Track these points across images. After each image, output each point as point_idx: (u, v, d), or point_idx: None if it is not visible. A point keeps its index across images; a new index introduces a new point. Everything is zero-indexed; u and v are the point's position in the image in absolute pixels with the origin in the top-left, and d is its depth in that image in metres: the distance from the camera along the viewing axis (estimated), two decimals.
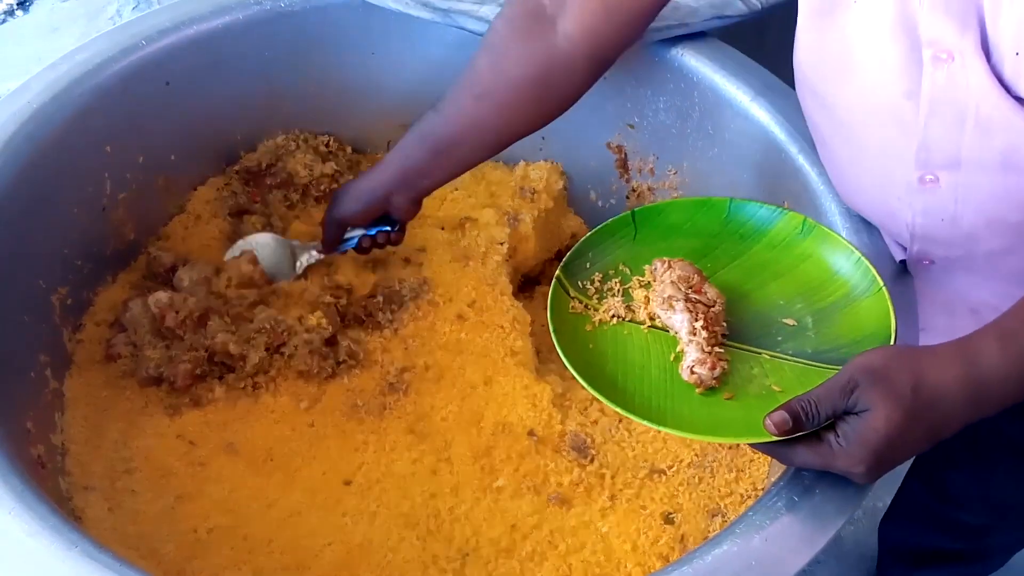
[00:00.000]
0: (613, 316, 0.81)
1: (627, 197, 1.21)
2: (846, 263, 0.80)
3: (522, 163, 1.25)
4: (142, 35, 1.02)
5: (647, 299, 0.81)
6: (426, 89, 1.20)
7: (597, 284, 0.84)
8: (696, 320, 0.76)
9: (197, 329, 0.97)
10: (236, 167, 1.16)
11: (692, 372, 0.74)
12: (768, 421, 0.62)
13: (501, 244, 1.13)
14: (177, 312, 0.97)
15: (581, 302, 0.82)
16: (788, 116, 0.95)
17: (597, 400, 0.97)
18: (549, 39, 0.86)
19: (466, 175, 1.23)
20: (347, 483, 0.90)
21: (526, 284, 1.27)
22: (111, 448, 0.92)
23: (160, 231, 1.10)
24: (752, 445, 0.67)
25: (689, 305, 0.77)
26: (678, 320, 0.77)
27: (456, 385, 0.98)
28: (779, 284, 0.82)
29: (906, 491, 1.18)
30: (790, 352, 0.76)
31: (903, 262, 0.85)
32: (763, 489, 0.87)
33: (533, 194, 1.20)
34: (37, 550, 0.60)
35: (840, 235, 0.82)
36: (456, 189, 1.20)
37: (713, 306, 0.78)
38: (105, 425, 0.93)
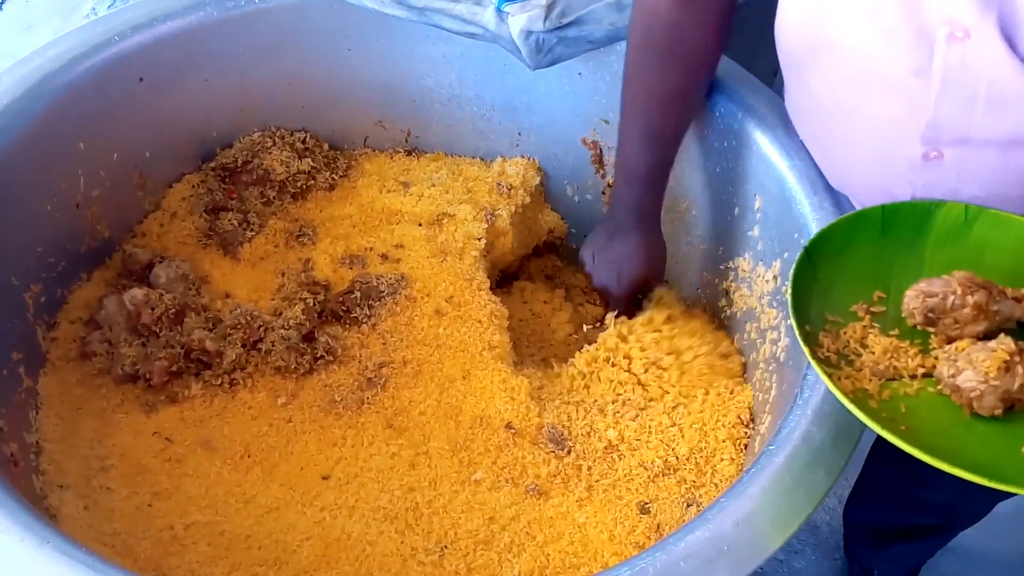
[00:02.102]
0: (883, 380, 0.70)
1: (603, 192, 1.22)
2: None
3: (499, 159, 1.25)
4: (115, 31, 1.01)
5: (895, 349, 0.72)
6: (401, 85, 1.21)
7: (832, 348, 0.72)
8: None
9: (173, 326, 0.97)
10: (212, 164, 1.15)
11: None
12: None
13: (478, 240, 1.13)
14: (153, 309, 0.97)
15: (839, 375, 0.69)
16: (755, 108, 0.97)
17: (571, 393, 0.98)
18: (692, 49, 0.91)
19: (443, 171, 1.24)
20: (325, 478, 0.90)
21: (504, 280, 1.28)
22: (86, 446, 0.91)
23: (135, 228, 1.10)
24: None
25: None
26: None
27: (434, 379, 0.99)
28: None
29: (870, 474, 1.20)
30: None
31: None
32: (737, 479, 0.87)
33: (510, 190, 1.21)
34: (8, 546, 0.60)
35: (1010, 212, 0.74)
36: (433, 186, 1.20)
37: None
38: (80, 423, 0.93)
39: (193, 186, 1.14)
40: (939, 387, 0.68)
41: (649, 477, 0.90)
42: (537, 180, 1.24)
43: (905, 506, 1.16)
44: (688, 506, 0.87)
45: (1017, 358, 0.64)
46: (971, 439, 0.64)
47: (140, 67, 1.03)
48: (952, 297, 0.68)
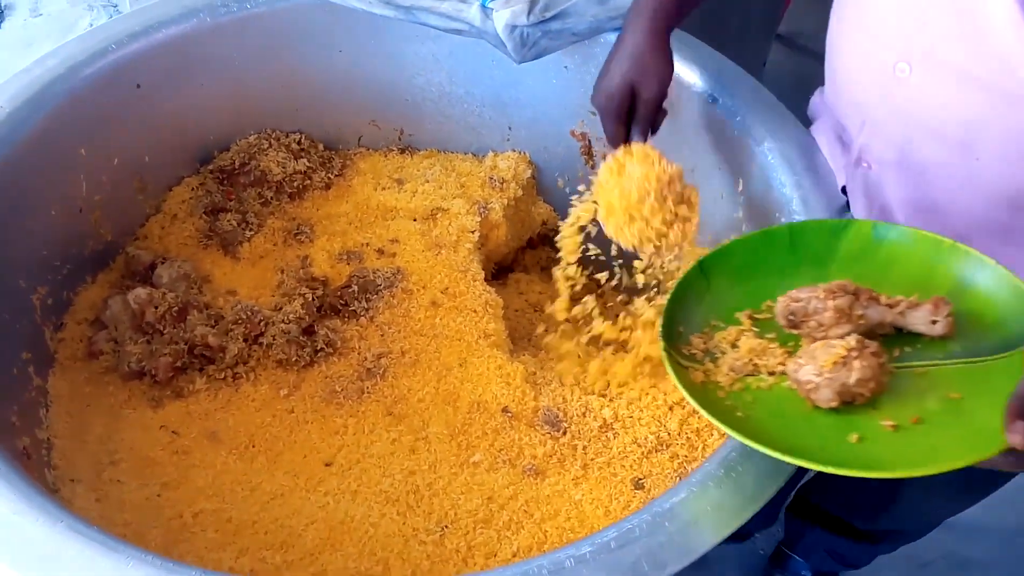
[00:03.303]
0: (740, 375, 0.75)
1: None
2: (938, 251, 0.75)
3: (490, 154, 1.28)
4: (112, 39, 1.04)
5: (761, 349, 0.76)
6: (393, 85, 1.24)
7: (701, 347, 0.78)
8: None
9: (177, 323, 1.00)
10: (210, 167, 1.18)
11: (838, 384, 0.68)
12: (1016, 436, 0.55)
13: (472, 232, 1.16)
14: (157, 307, 0.99)
15: (697, 369, 0.75)
16: (738, 95, 0.99)
17: (562, 378, 1.01)
18: None
19: (436, 167, 1.26)
20: (328, 464, 0.93)
21: (500, 272, 1.31)
22: (96, 441, 0.94)
23: (137, 231, 1.13)
24: (984, 464, 0.60)
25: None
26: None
27: (432, 368, 1.01)
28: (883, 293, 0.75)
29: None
30: (941, 356, 0.71)
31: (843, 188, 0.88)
32: None
33: (502, 183, 1.23)
34: (23, 526, 0.62)
35: (916, 227, 0.77)
36: (427, 182, 1.23)
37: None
38: (89, 419, 0.95)
39: (192, 188, 1.17)
40: (788, 382, 0.72)
41: (643, 454, 0.93)
42: (528, 173, 1.27)
43: (850, 506, 1.21)
44: (680, 480, 0.89)
45: (855, 355, 0.67)
46: (807, 428, 0.68)
47: (137, 74, 1.06)
48: (815, 301, 0.72)
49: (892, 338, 0.74)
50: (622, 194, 0.84)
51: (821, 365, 0.68)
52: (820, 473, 1.25)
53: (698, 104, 1.05)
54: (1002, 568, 1.50)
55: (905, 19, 0.72)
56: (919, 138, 0.76)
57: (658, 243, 0.84)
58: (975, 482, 1.02)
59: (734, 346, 0.76)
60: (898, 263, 0.77)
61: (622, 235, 0.86)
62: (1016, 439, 0.55)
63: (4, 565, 0.60)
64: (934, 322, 0.71)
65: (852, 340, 0.69)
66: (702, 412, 0.67)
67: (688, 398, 0.68)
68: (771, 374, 0.73)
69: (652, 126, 0.90)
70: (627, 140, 0.89)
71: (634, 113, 0.89)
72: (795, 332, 0.75)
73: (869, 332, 0.73)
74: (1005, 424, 0.56)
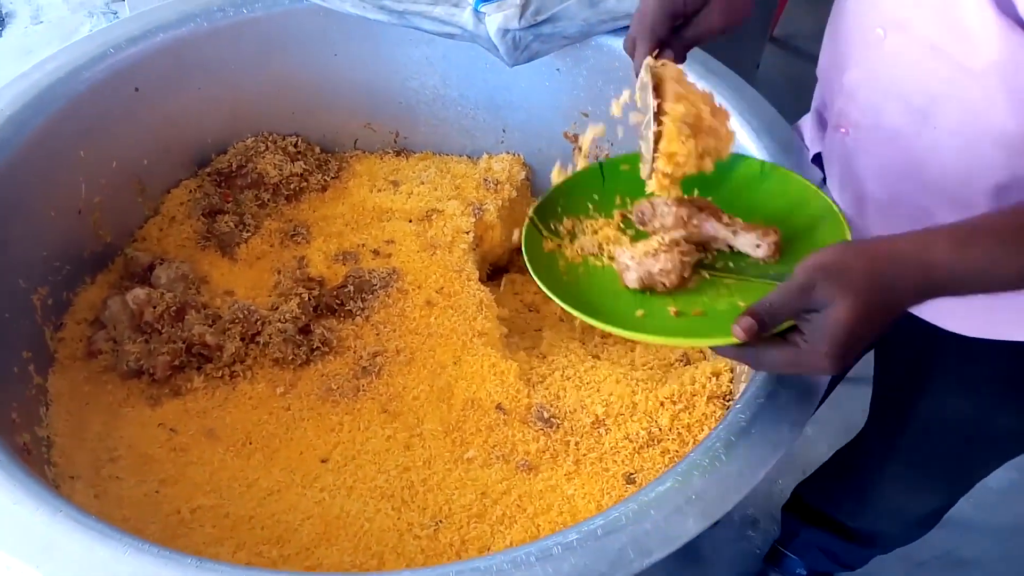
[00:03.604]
0: (586, 253, 0.84)
1: None
2: (804, 196, 0.83)
3: (485, 156, 1.30)
4: (111, 43, 1.06)
5: (614, 239, 0.85)
6: (387, 88, 1.26)
7: (569, 227, 0.87)
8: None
9: (175, 323, 1.01)
10: (208, 169, 1.20)
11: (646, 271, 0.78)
12: (736, 328, 0.64)
13: (467, 233, 1.18)
14: (155, 307, 1.01)
15: (554, 241, 0.85)
16: (726, 94, 1.01)
17: (560, 372, 1.02)
18: None
19: (431, 169, 1.28)
20: (324, 461, 0.94)
21: (495, 273, 1.32)
22: (95, 439, 0.95)
23: (136, 233, 1.14)
24: (720, 350, 0.68)
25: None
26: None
27: (427, 366, 1.03)
28: (746, 221, 0.84)
29: (832, 461, 1.25)
30: (755, 275, 0.80)
31: (818, 155, 0.92)
32: None
33: (496, 185, 1.25)
34: (23, 515, 0.64)
35: (797, 174, 0.86)
36: (422, 183, 1.24)
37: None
38: (88, 417, 0.97)
39: (190, 191, 1.18)
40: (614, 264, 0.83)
41: (634, 449, 0.94)
42: (523, 175, 1.29)
43: (828, 498, 1.23)
44: None
45: (664, 250, 0.78)
46: (611, 300, 0.79)
47: (136, 78, 1.08)
48: (663, 206, 0.82)
49: (726, 254, 0.83)
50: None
51: (633, 253, 0.79)
52: (814, 473, 1.28)
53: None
54: (997, 567, 1.51)
55: None
56: (888, 103, 0.78)
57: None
58: (935, 471, 1.04)
59: (595, 232, 0.86)
60: (774, 199, 0.86)
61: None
62: (735, 329, 0.64)
63: (5, 553, 0.61)
64: (758, 246, 0.80)
65: (667, 238, 0.79)
66: (529, 269, 0.77)
67: (525, 258, 0.79)
68: (610, 259, 0.83)
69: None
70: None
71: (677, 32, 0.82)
72: (643, 229, 0.84)
73: (704, 243, 0.82)
74: (737, 318, 0.64)
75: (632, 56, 0.83)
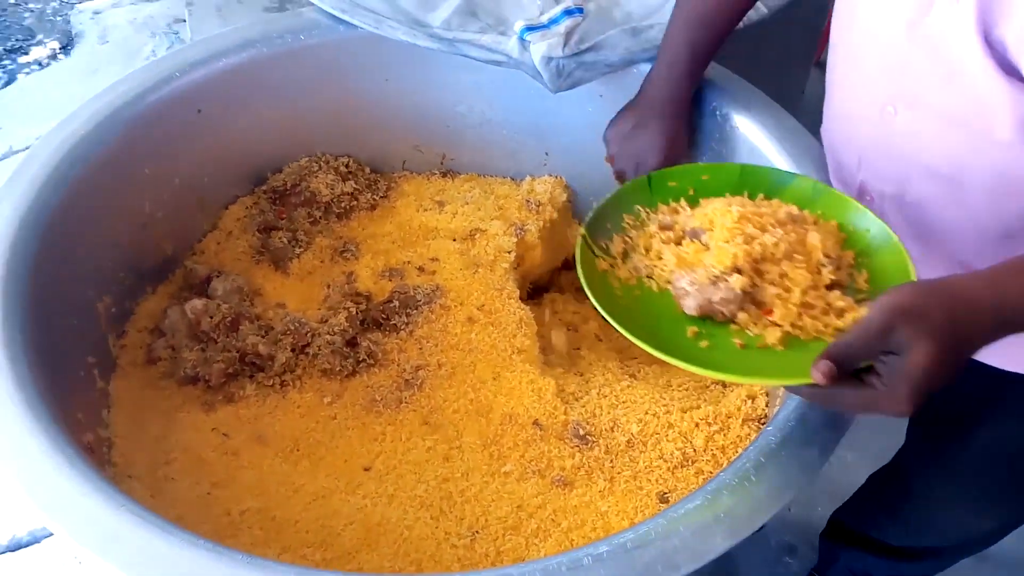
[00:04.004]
0: (640, 274, 0.82)
1: None
2: (859, 220, 0.81)
3: (528, 178, 1.33)
4: (176, 68, 1.12)
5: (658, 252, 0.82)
6: (436, 112, 1.30)
7: (620, 246, 0.85)
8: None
9: (230, 333, 1.06)
10: (264, 187, 1.25)
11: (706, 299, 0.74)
12: (816, 372, 0.62)
13: (508, 253, 1.21)
14: (211, 317, 1.06)
15: (606, 261, 0.83)
16: (771, 128, 1.03)
17: (596, 390, 1.05)
18: None
19: (476, 190, 1.32)
20: (367, 469, 0.98)
21: (535, 292, 1.35)
22: (152, 441, 1.00)
23: (195, 246, 1.20)
24: (792, 390, 0.67)
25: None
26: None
27: (467, 381, 1.06)
28: None
29: (867, 487, 1.24)
30: None
31: None
32: None
33: (539, 206, 1.28)
34: (89, 507, 0.68)
35: (849, 196, 0.84)
36: (466, 204, 1.28)
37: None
38: (147, 421, 1.02)
39: (247, 207, 1.24)
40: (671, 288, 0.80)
41: (668, 468, 0.96)
42: (564, 197, 1.32)
43: (885, 526, 1.22)
44: None
45: (725, 279, 0.74)
46: (671, 327, 0.76)
47: (199, 100, 1.14)
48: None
49: None
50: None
51: (693, 279, 0.76)
52: (853, 496, 1.28)
53: (727, 129, 1.08)
54: (1021, 562, 1.47)
55: (890, 63, 0.76)
56: (914, 174, 0.79)
57: None
58: (999, 494, 1.03)
59: (646, 250, 0.83)
60: (825, 219, 0.84)
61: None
62: (815, 373, 0.62)
63: (71, 540, 0.66)
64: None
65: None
66: (586, 291, 0.74)
67: (582, 280, 0.76)
68: (666, 282, 0.80)
69: None
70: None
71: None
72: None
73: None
74: (815, 360, 0.62)
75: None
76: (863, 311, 0.72)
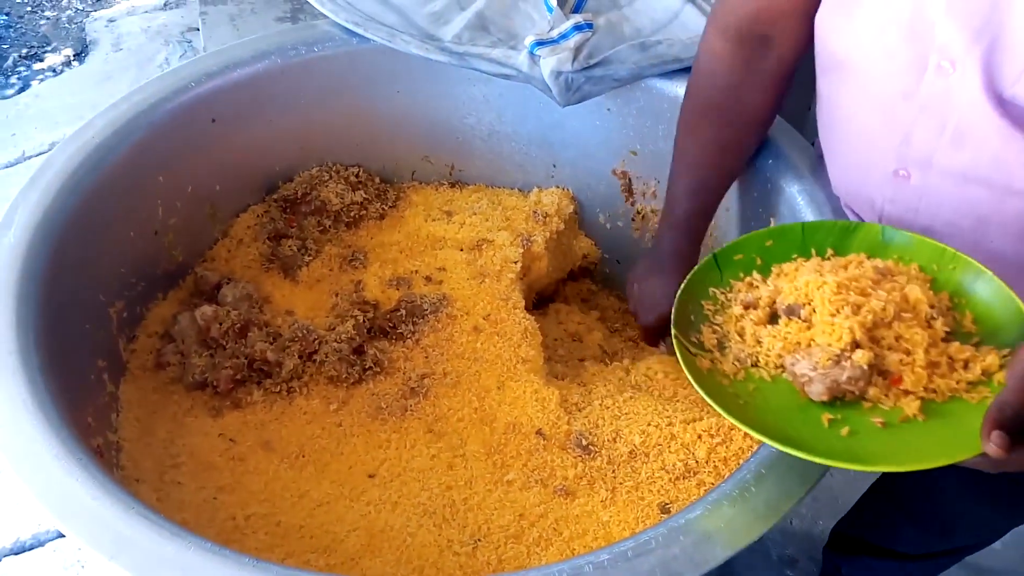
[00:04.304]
0: (745, 366, 0.77)
1: (632, 219, 1.30)
2: (941, 257, 0.77)
3: (535, 189, 1.35)
4: (191, 78, 1.14)
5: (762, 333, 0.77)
6: (445, 123, 1.32)
7: (711, 338, 0.79)
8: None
9: (238, 339, 1.08)
10: (275, 196, 1.27)
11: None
12: (990, 446, 0.58)
13: (515, 263, 1.22)
14: (221, 324, 1.07)
15: (706, 357, 0.77)
16: (770, 141, 1.04)
17: (599, 401, 1.06)
18: (770, 63, 0.92)
19: (484, 201, 1.33)
20: (371, 476, 0.99)
21: (541, 302, 1.37)
22: (160, 445, 1.01)
23: (206, 253, 1.22)
24: (965, 463, 0.63)
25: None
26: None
27: (471, 389, 1.07)
28: None
29: (865, 499, 1.24)
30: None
31: None
32: None
33: (545, 217, 1.30)
34: (99, 511, 0.70)
35: (921, 235, 0.79)
36: (474, 214, 1.30)
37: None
38: (155, 425, 1.03)
39: (258, 216, 1.25)
40: (786, 374, 0.74)
41: (670, 479, 0.96)
42: (571, 208, 1.33)
43: (883, 530, 1.22)
44: None
45: (848, 354, 0.70)
46: (802, 420, 0.70)
47: (213, 110, 1.16)
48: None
49: None
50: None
51: (816, 362, 0.71)
52: (859, 507, 1.28)
53: None
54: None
55: (891, 134, 0.76)
56: (937, 227, 0.79)
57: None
58: (1010, 489, 1.02)
59: (740, 336, 0.78)
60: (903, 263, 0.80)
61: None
62: (990, 447, 0.58)
63: (82, 542, 0.67)
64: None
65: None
66: (706, 399, 0.69)
67: (695, 386, 0.70)
68: (776, 367, 0.75)
69: None
70: None
71: None
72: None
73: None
74: (982, 431, 0.59)
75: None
76: (991, 358, 0.69)
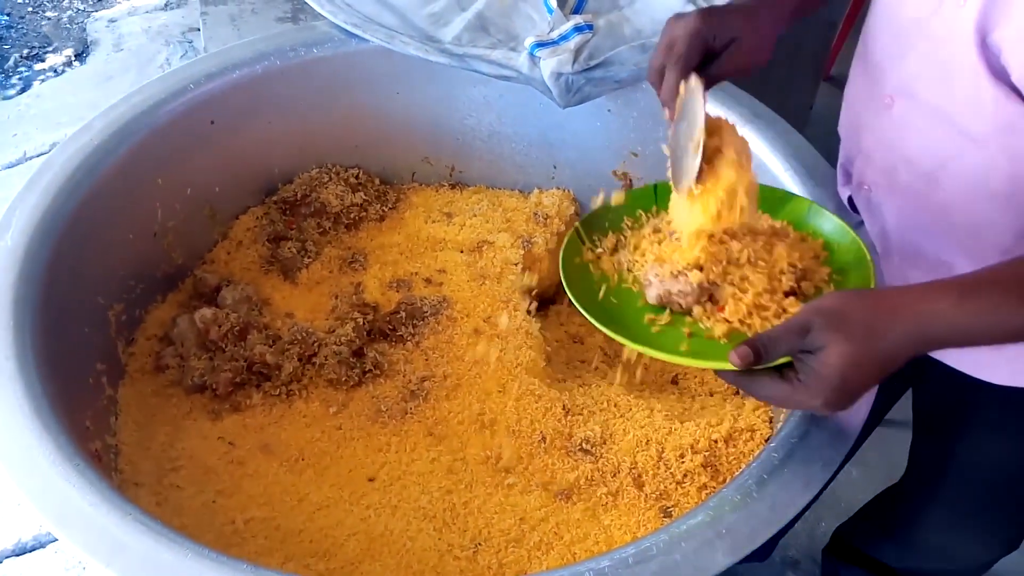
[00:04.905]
0: (622, 268, 0.89)
1: None
2: (844, 239, 0.85)
3: (536, 191, 1.34)
4: (190, 79, 1.13)
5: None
6: (445, 124, 1.31)
7: (612, 243, 0.91)
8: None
9: (238, 342, 1.07)
10: (274, 198, 1.27)
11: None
12: (733, 355, 0.67)
13: (515, 265, 1.22)
14: (220, 327, 1.07)
15: (594, 252, 0.90)
16: (772, 140, 1.03)
17: (601, 404, 1.05)
18: None
19: (484, 203, 1.33)
20: (371, 480, 0.98)
21: (542, 304, 1.36)
22: (159, 449, 1.01)
23: (205, 256, 1.21)
24: (720, 374, 0.72)
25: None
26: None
27: (472, 392, 1.06)
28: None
29: (871, 504, 1.24)
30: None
31: (850, 200, 0.95)
32: None
33: (546, 219, 1.29)
34: (96, 517, 0.69)
35: (839, 217, 0.87)
36: (474, 216, 1.29)
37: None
38: (154, 428, 1.03)
39: (257, 218, 1.25)
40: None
41: (672, 484, 0.96)
42: (572, 210, 1.33)
43: (883, 547, 1.23)
44: None
45: (686, 274, 0.81)
46: (632, 315, 0.84)
47: (212, 111, 1.15)
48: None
49: None
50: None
51: (657, 272, 0.83)
52: (855, 515, 1.28)
53: None
54: None
55: (894, 53, 0.79)
56: (900, 166, 0.81)
57: None
58: (984, 518, 1.03)
59: (635, 248, 0.89)
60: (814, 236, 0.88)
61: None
62: (732, 356, 0.67)
63: (79, 550, 0.67)
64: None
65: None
66: (563, 278, 0.83)
67: (561, 268, 0.84)
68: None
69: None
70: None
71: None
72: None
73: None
74: (736, 346, 0.67)
75: (657, 86, 0.82)
76: None
